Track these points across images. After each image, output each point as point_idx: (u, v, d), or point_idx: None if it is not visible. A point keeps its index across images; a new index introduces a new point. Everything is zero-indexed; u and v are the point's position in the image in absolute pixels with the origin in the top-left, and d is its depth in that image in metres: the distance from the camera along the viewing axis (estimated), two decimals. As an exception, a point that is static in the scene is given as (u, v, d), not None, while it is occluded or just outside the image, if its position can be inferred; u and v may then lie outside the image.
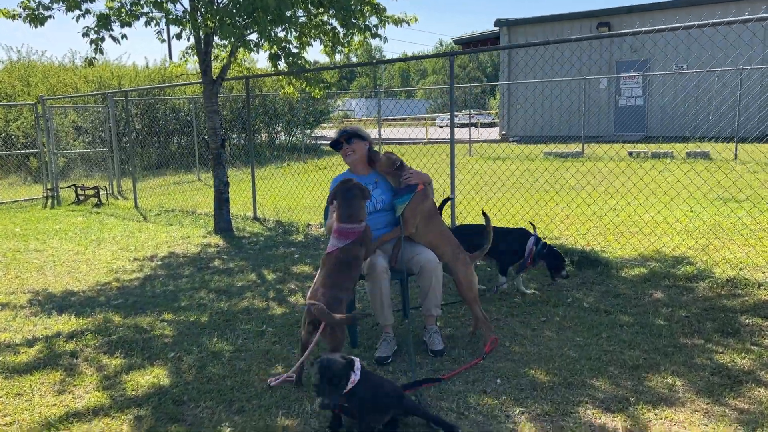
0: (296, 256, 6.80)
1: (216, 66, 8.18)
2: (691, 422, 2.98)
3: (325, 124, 25.92)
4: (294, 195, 10.92)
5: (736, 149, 14.29)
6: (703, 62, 17.86)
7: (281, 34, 7.40)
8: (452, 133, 6.77)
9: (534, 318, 4.56)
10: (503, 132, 25.60)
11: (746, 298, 4.75)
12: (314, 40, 8.05)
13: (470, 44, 27.56)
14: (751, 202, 8.22)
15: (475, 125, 37.03)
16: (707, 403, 3.16)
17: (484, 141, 20.42)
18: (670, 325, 4.29)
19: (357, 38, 8.03)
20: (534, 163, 14.11)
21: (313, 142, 23.93)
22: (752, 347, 3.85)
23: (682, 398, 3.22)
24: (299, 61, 7.33)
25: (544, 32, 22.71)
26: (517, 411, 3.17)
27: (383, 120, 34.59)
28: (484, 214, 4.48)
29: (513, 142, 23.03)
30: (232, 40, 6.86)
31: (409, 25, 8.09)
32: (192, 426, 3.05)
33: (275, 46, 7.27)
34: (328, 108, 23.80)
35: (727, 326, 4.21)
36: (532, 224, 5.41)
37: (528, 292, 5.21)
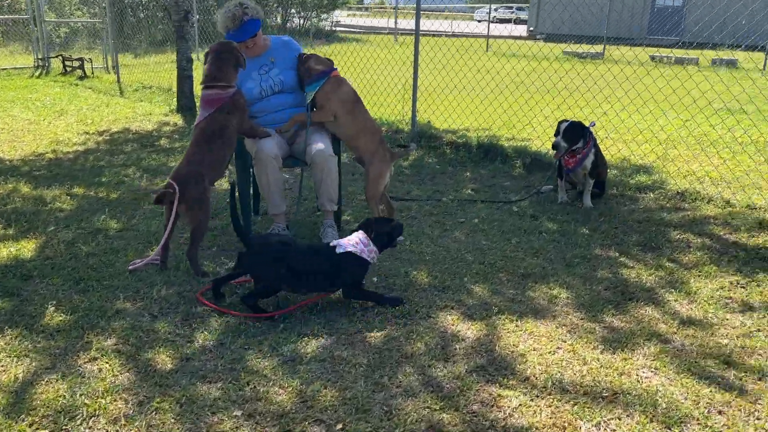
0: (247, 140, 6.52)
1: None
2: (549, 337, 2.73)
3: (346, 11, 24.70)
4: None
5: (766, 60, 13.17)
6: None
7: None
8: (417, 21, 6.19)
9: (452, 218, 4.27)
10: (531, 29, 24.21)
11: (689, 212, 4.36)
12: None
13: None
14: (759, 115, 7.57)
15: (510, 21, 35.24)
16: (580, 319, 2.90)
17: (503, 37, 19.21)
18: (592, 235, 3.96)
19: None
20: (549, 63, 13.24)
21: (332, 28, 22.93)
22: (667, 264, 3.53)
23: (557, 311, 2.96)
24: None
25: None
26: (376, 311, 2.96)
27: (422, 11, 32.97)
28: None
29: (539, 39, 21.77)
30: None
31: None
32: (23, 302, 2.91)
33: None
34: (345, -9, 22.56)
35: (652, 240, 3.87)
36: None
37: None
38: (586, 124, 4.66)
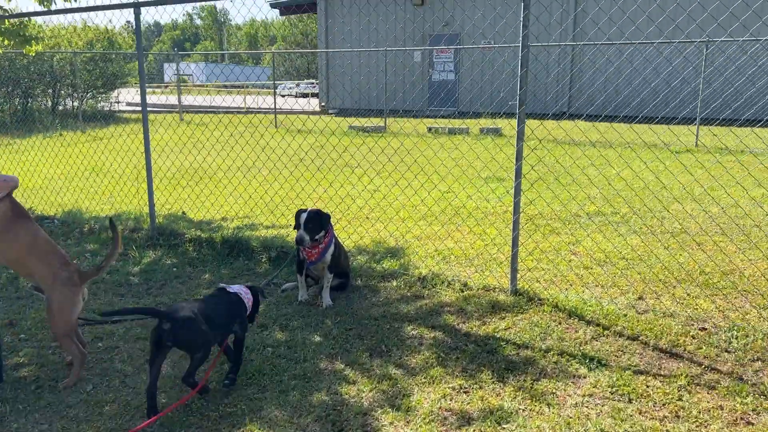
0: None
1: None
2: None
3: (128, 88, 23.22)
4: (39, 172, 8.97)
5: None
6: (501, 37, 18.14)
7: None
8: (143, 97, 5.57)
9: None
10: (323, 103, 24.73)
11: (427, 300, 4.13)
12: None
13: (290, 8, 26.23)
14: (508, 184, 7.95)
15: (306, 95, 35.96)
16: (271, 475, 2.36)
17: (293, 112, 19.31)
18: (322, 344, 3.52)
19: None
20: (331, 138, 13.28)
21: (111, 109, 21.32)
22: (393, 371, 3.17)
23: (246, 468, 2.40)
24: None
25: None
26: None
27: (224, 86, 32.36)
28: (111, 222, 3.42)
29: (332, 114, 22.24)
30: None
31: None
32: None
33: None
34: (122, 71, 21.29)
35: (383, 341, 3.52)
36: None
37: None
38: (327, 210, 4.33)
